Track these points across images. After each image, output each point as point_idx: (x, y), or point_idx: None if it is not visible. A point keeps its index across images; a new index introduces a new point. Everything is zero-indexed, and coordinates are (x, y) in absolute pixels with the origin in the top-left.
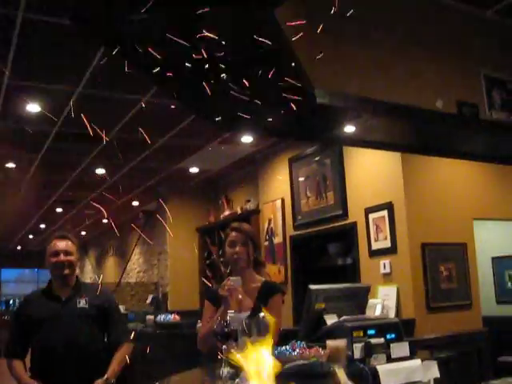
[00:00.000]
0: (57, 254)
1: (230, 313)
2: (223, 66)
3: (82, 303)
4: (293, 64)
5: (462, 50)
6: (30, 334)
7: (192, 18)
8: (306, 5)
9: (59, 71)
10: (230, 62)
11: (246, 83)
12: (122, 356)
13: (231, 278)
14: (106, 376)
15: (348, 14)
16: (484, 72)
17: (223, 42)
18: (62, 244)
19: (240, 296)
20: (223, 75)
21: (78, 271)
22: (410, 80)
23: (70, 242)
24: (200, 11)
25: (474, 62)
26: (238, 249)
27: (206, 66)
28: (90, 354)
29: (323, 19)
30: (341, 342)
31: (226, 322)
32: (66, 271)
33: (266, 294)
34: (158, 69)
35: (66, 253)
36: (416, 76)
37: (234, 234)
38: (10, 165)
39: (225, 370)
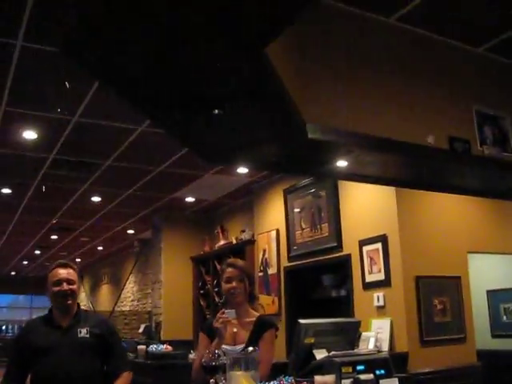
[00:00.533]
0: (59, 283)
1: (226, 346)
2: (216, 101)
3: (83, 333)
4: (285, 100)
5: (454, 85)
6: (29, 362)
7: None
8: (297, 40)
9: (56, 99)
10: (220, 97)
11: (238, 117)
12: None
13: (226, 310)
14: None
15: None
16: (476, 107)
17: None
18: (64, 272)
19: (235, 329)
20: (216, 111)
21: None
22: (402, 115)
23: (72, 270)
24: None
25: (466, 97)
26: (234, 284)
27: (197, 102)
28: (89, 383)
29: (314, 55)
30: (329, 378)
31: (215, 354)
32: (69, 301)
33: (260, 329)
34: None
35: (69, 281)
36: (408, 111)
37: (230, 269)
38: (6, 190)
39: None
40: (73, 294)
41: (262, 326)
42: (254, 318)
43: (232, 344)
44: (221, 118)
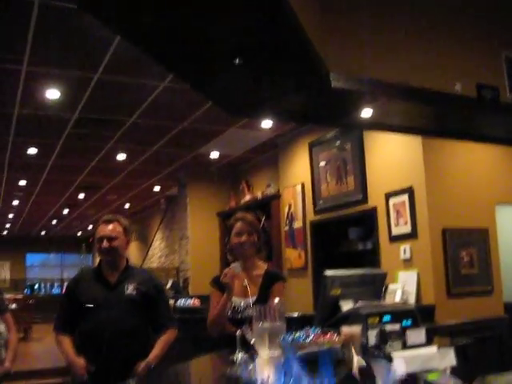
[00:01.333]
0: (101, 240)
1: (237, 299)
2: (237, 51)
3: (130, 289)
4: (307, 48)
5: (483, 31)
6: (77, 314)
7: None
8: None
9: (77, 57)
10: (244, 46)
11: (261, 68)
12: (165, 341)
13: (232, 264)
14: (147, 359)
15: None
16: (505, 54)
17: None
18: (106, 229)
19: (245, 283)
20: (236, 60)
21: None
22: (428, 63)
23: (116, 226)
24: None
25: (494, 43)
26: (244, 238)
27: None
28: (134, 339)
29: (337, 4)
30: (356, 329)
31: (239, 308)
32: (110, 258)
33: (269, 281)
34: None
35: (110, 238)
36: (434, 59)
37: (239, 224)
38: (32, 151)
39: (239, 356)
40: (113, 251)
41: (271, 279)
42: (263, 272)
43: (243, 297)
44: (243, 68)
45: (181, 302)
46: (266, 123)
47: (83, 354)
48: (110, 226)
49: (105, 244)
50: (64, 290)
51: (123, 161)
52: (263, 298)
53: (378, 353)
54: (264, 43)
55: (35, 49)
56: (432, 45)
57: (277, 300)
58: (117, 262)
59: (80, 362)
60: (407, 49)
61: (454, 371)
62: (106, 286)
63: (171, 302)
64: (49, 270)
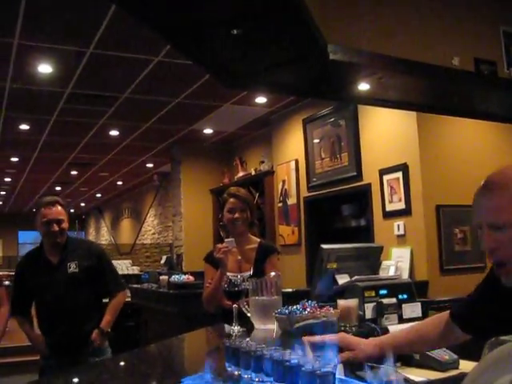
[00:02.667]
0: (48, 223)
1: (231, 274)
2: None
3: (73, 267)
4: (305, 18)
5: (481, 5)
6: (28, 295)
7: None
8: None
9: (70, 31)
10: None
11: (259, 38)
12: (114, 305)
13: (225, 239)
14: (100, 326)
15: None
16: (503, 28)
17: None
18: (52, 212)
19: (239, 257)
20: (234, 30)
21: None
22: (426, 36)
23: (60, 208)
24: None
25: (492, 17)
26: (237, 215)
27: (217, 21)
28: (83, 313)
29: None
30: (352, 302)
31: (236, 281)
32: (59, 239)
33: (264, 254)
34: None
35: (58, 221)
36: (432, 32)
37: (232, 200)
38: (24, 127)
39: (235, 329)
40: (63, 232)
41: (265, 251)
42: (256, 245)
43: (238, 271)
44: (241, 39)
45: (175, 278)
46: (261, 99)
47: (44, 329)
48: (55, 209)
49: (55, 228)
50: (14, 275)
51: (116, 137)
52: (258, 271)
53: (374, 325)
54: (262, 13)
55: (27, 22)
56: (430, 18)
57: (273, 273)
58: (61, 242)
59: (38, 338)
60: (405, 22)
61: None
62: (49, 268)
63: (165, 277)
64: None
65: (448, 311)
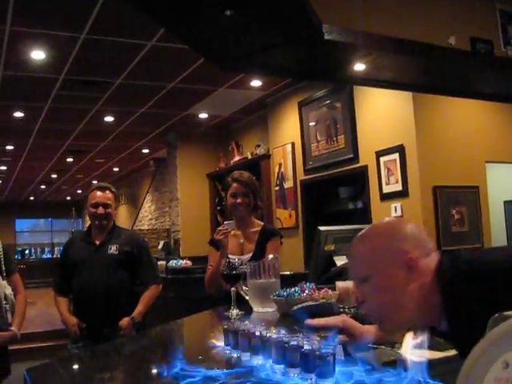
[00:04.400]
0: (96, 205)
1: (233, 256)
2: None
3: (113, 249)
4: None
5: None
6: (70, 274)
7: None
8: None
9: (62, 17)
10: None
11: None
12: (148, 297)
13: (225, 222)
14: (131, 315)
15: None
16: (499, 6)
17: None
18: (101, 196)
19: (241, 240)
20: (227, 11)
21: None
22: (422, 15)
23: (109, 193)
24: None
25: None
26: (239, 200)
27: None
28: (117, 296)
29: None
30: (350, 283)
31: (234, 265)
32: (104, 222)
33: (266, 237)
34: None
35: (105, 205)
36: (428, 11)
37: (235, 185)
38: (19, 114)
39: (234, 312)
40: (108, 216)
41: (268, 235)
42: (259, 228)
43: (239, 254)
44: (235, 20)
45: (172, 263)
46: (256, 82)
47: (77, 311)
48: (105, 193)
49: (101, 210)
50: (60, 255)
51: (111, 123)
52: (259, 254)
53: None
54: None
55: (18, 8)
56: None
57: (271, 256)
58: (107, 226)
59: (71, 320)
60: (401, 2)
61: None
62: (92, 247)
63: (163, 262)
64: (39, 236)
65: None
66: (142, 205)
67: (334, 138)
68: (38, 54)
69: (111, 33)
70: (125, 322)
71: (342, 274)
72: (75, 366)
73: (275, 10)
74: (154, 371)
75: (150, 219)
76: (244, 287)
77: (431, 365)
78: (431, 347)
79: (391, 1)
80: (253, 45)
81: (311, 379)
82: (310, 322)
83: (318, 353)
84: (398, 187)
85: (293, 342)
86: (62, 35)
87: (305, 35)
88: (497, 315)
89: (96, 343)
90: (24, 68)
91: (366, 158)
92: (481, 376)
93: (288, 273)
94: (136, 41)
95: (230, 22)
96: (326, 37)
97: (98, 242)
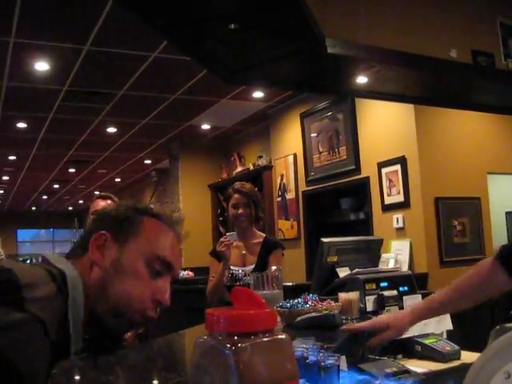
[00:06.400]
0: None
1: (235, 268)
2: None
3: None
4: (304, 12)
5: None
6: None
7: None
8: None
9: (66, 28)
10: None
11: (257, 32)
12: None
13: (227, 233)
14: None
15: None
16: (500, 20)
17: None
18: (103, 204)
19: (244, 251)
20: (231, 25)
21: None
22: (424, 28)
23: (111, 203)
24: None
25: (490, 9)
26: (240, 211)
27: (215, 16)
28: None
29: None
30: (353, 295)
31: (237, 276)
32: None
33: (268, 248)
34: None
35: None
36: (429, 24)
37: (236, 196)
38: (22, 125)
39: None
40: None
41: (270, 246)
42: (261, 239)
43: (241, 265)
44: (239, 33)
45: None
46: (258, 94)
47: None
48: (106, 202)
49: None
50: None
51: (114, 134)
52: (262, 265)
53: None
54: (260, 7)
55: (23, 20)
56: (427, 11)
57: (274, 267)
58: None
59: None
60: (403, 15)
61: (450, 335)
62: None
63: None
64: (40, 246)
65: (490, 257)
66: None
67: (336, 150)
68: (41, 66)
69: (115, 44)
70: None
71: (345, 285)
72: (77, 377)
73: (279, 23)
74: (155, 383)
75: None
76: None
77: (434, 376)
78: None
79: (393, 15)
80: (256, 58)
81: None
82: (348, 327)
83: (322, 364)
84: (400, 198)
85: (297, 353)
86: (65, 46)
87: (308, 49)
88: (498, 327)
89: (99, 354)
90: (28, 79)
91: (368, 169)
92: None
93: (290, 284)
94: (139, 52)
95: (233, 35)
96: (329, 50)
97: None
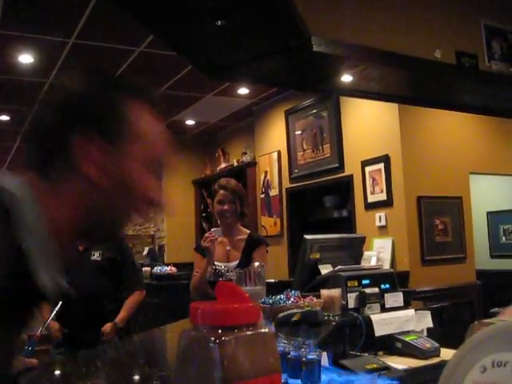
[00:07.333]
0: None
1: (219, 263)
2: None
3: (96, 256)
4: (290, 10)
5: None
6: None
7: None
8: None
9: (51, 21)
10: (226, 7)
11: (243, 29)
12: (131, 303)
13: (212, 229)
14: (114, 321)
15: None
16: (484, 22)
17: None
18: None
19: (228, 247)
20: (218, 22)
21: None
22: (409, 29)
23: None
24: None
25: (474, 10)
26: (226, 206)
27: (202, 12)
28: (100, 302)
29: None
30: (335, 292)
31: (220, 271)
32: None
33: (252, 245)
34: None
35: None
36: (414, 25)
37: (221, 192)
38: (4, 118)
39: None
40: None
41: (254, 243)
42: (245, 236)
43: (225, 261)
44: (225, 30)
45: (157, 269)
46: (243, 90)
47: (59, 316)
48: None
49: None
50: None
51: None
52: (246, 261)
53: (357, 315)
54: (246, 4)
55: (7, 11)
56: (412, 11)
57: (257, 264)
58: None
59: (54, 325)
60: (388, 15)
61: (430, 333)
62: (76, 253)
63: (147, 269)
64: None
65: None
66: None
67: (320, 147)
68: (26, 58)
69: (100, 38)
70: (107, 327)
71: (327, 282)
72: (57, 372)
73: (265, 21)
74: (136, 378)
75: (135, 225)
76: None
77: (414, 372)
78: (414, 356)
79: (379, 14)
80: (241, 54)
81: None
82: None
83: (303, 359)
84: (383, 197)
85: (279, 349)
86: (50, 39)
87: (294, 47)
88: (476, 322)
89: (78, 349)
90: (11, 71)
91: (352, 167)
92: (459, 381)
93: (272, 280)
94: (125, 46)
95: (219, 32)
96: (315, 48)
97: (81, 248)
